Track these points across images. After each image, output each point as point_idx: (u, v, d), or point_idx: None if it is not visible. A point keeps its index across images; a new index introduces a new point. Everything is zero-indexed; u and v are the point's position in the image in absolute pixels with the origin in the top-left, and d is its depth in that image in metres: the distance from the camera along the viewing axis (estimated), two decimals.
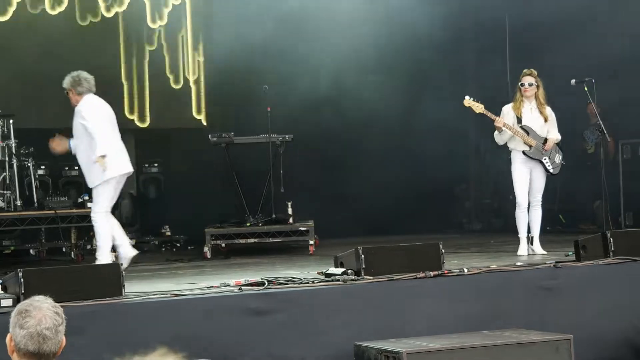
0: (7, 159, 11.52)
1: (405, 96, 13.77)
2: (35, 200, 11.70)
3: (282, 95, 12.69)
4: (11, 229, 11.63)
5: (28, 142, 11.88)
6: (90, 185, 9.54)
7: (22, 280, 7.03)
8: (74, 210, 11.58)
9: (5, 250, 12.04)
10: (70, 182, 12.89)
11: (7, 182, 11.55)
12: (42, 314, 3.76)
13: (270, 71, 12.99)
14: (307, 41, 12.93)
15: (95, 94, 9.42)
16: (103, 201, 9.37)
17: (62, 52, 12.72)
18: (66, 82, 9.38)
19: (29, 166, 11.73)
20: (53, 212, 11.26)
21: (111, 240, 9.41)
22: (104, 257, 9.34)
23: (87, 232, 12.09)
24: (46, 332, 3.72)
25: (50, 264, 10.74)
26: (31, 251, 12.36)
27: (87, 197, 11.83)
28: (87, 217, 11.61)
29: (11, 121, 11.55)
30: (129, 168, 9.51)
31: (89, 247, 12.17)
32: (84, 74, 9.38)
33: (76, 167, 12.98)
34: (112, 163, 9.24)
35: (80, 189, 12.65)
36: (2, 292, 7.29)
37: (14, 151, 11.57)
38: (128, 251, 9.55)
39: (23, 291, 6.97)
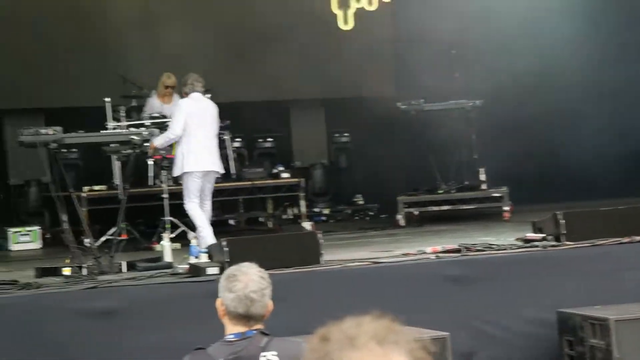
0: None
1: (600, 52, 13.24)
2: (233, 172, 11.99)
3: (471, 60, 12.48)
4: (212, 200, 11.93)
5: (224, 115, 12.17)
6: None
7: (226, 249, 7.25)
8: (270, 181, 11.82)
9: None
10: (264, 154, 13.13)
11: None
12: (249, 278, 3.85)
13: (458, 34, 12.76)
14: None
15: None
16: (187, 192, 9.54)
17: None
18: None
19: (225, 139, 12.02)
20: (250, 182, 11.52)
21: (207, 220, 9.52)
22: (207, 233, 9.36)
23: (282, 202, 12.32)
24: (253, 295, 3.81)
25: (249, 234, 11.03)
26: (231, 221, 12.70)
27: (281, 168, 12.06)
28: (282, 188, 11.85)
29: (209, 95, 11.84)
30: (207, 167, 9.63)
31: (284, 216, 12.40)
32: (194, 77, 9.76)
33: (269, 139, 13.25)
34: (191, 160, 9.46)
35: (274, 160, 12.90)
36: (208, 260, 7.55)
37: None
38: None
39: (228, 259, 7.19)
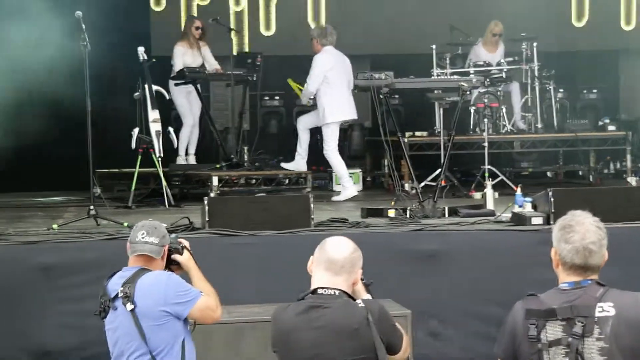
0: (529, 81, 11.74)
1: None
2: (555, 123, 11.80)
3: None
4: (531, 151, 11.86)
5: (549, 65, 11.99)
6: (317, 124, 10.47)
7: (552, 199, 7.20)
8: (594, 134, 11.52)
9: (524, 172, 12.30)
10: (588, 106, 12.78)
11: (529, 104, 11.77)
12: (586, 229, 3.78)
13: None
14: None
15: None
16: (329, 141, 10.29)
17: None
18: (314, 32, 10.36)
19: (549, 89, 11.83)
20: (573, 134, 11.29)
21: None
22: (348, 183, 10.38)
23: (605, 155, 11.99)
24: (591, 246, 3.74)
25: (566, 187, 10.83)
26: (548, 173, 12.53)
27: (607, 121, 11.70)
28: (607, 141, 11.51)
29: (535, 44, 11.70)
30: (348, 116, 10.45)
31: (605, 171, 12.06)
32: (331, 29, 10.34)
33: (594, 90, 12.86)
34: (334, 110, 10.19)
35: (598, 112, 12.54)
36: (532, 210, 7.52)
37: (536, 74, 11.73)
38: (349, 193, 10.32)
39: (553, 210, 7.13)
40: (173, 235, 4.85)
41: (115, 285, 4.59)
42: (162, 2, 12.59)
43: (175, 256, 4.76)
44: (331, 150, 10.32)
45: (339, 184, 10.81)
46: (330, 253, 3.83)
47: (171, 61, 10.86)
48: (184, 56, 10.88)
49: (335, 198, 10.33)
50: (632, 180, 10.76)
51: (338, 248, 3.85)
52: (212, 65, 11.01)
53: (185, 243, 4.84)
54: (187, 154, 11.10)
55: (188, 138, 11.05)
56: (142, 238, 4.64)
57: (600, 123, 11.78)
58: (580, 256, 3.74)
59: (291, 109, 12.42)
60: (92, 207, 8.00)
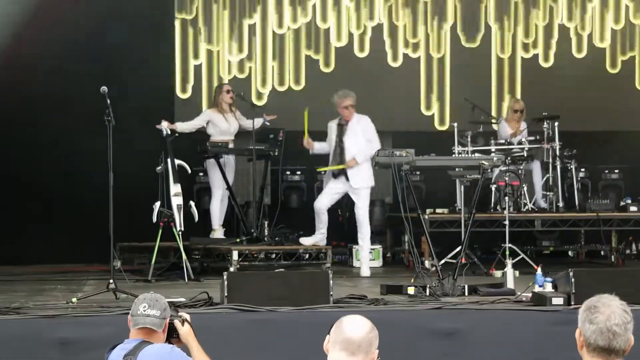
0: (551, 160, 11.75)
1: None
2: (577, 202, 11.77)
3: None
4: (552, 230, 11.81)
5: (571, 144, 12.00)
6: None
7: (572, 279, 7.15)
8: (616, 214, 11.47)
9: (545, 251, 12.25)
10: (610, 185, 12.78)
11: (550, 183, 11.77)
12: (611, 311, 3.74)
13: None
14: None
15: None
16: (368, 202, 10.63)
17: None
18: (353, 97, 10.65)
19: (571, 168, 11.83)
20: (595, 214, 11.24)
21: None
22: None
23: (627, 236, 11.92)
24: (615, 329, 3.70)
25: (588, 267, 10.75)
26: (570, 253, 12.46)
27: (629, 201, 11.66)
28: (629, 221, 11.46)
29: (556, 123, 11.73)
30: None
31: (628, 251, 11.99)
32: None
33: (616, 171, 12.88)
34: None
35: (620, 192, 12.52)
36: (553, 290, 7.47)
37: (557, 153, 11.75)
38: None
39: (574, 290, 7.07)
40: (173, 308, 4.89)
41: (117, 357, 4.60)
42: (188, 90, 12.82)
43: (177, 326, 4.78)
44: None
45: (359, 260, 10.80)
46: (347, 333, 3.78)
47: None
48: (216, 123, 10.97)
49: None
50: None
51: (355, 327, 3.81)
52: (247, 124, 11.03)
53: (186, 316, 4.87)
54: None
55: (219, 210, 11.08)
56: (144, 311, 4.67)
57: (622, 203, 11.74)
58: (604, 338, 3.69)
59: (312, 184, 12.45)
60: (111, 280, 8.00)
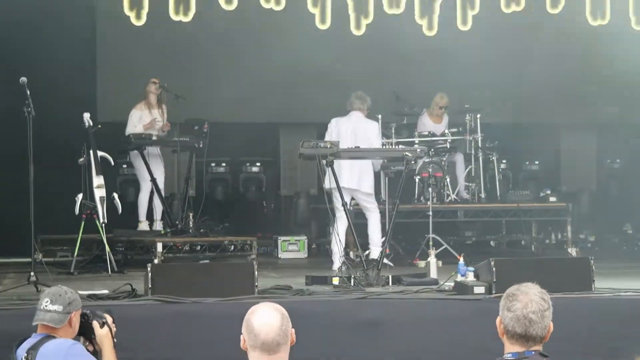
0: (473, 152, 11.90)
1: None
2: (498, 193, 11.95)
3: None
4: (474, 220, 11.97)
5: (492, 136, 12.16)
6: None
7: (494, 268, 7.26)
8: (536, 204, 11.67)
9: (467, 241, 12.41)
10: (530, 177, 13.00)
11: (473, 174, 11.92)
12: (529, 298, 3.81)
13: None
14: None
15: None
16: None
17: None
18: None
19: (492, 160, 12.00)
20: (515, 205, 11.43)
21: None
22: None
23: (546, 226, 12.13)
24: (532, 316, 3.76)
25: (509, 257, 10.90)
26: (491, 242, 12.64)
27: (548, 192, 11.87)
28: (548, 212, 11.66)
29: (478, 116, 11.87)
30: None
31: (547, 241, 12.21)
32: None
33: (536, 162, 13.09)
34: None
35: (539, 183, 12.73)
36: (475, 279, 7.58)
37: (479, 145, 11.90)
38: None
39: (495, 279, 7.18)
40: (104, 308, 4.79)
41: (22, 351, 4.55)
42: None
43: (95, 327, 4.69)
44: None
45: (285, 251, 10.80)
46: (262, 336, 3.68)
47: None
48: (141, 118, 10.87)
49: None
50: (572, 251, 10.90)
51: (267, 329, 3.67)
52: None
53: (109, 319, 4.76)
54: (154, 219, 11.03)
55: (147, 202, 10.98)
56: (45, 306, 4.60)
57: (542, 194, 11.95)
58: (521, 325, 3.76)
59: (237, 176, 12.42)
60: (32, 273, 7.89)
